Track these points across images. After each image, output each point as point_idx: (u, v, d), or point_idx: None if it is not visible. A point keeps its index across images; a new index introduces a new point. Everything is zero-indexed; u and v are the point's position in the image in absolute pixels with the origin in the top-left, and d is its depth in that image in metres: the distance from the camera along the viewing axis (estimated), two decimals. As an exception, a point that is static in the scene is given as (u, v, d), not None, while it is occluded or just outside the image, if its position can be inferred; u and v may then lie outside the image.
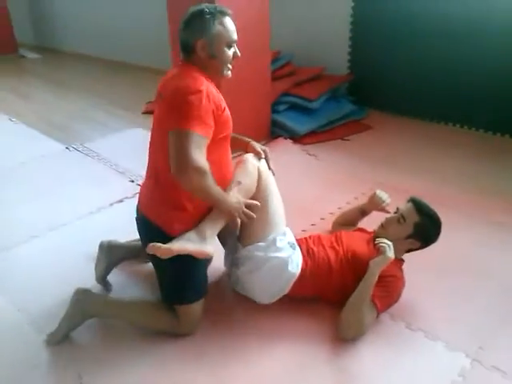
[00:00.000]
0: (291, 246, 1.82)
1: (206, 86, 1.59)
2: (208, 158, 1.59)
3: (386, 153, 3.32)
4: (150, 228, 1.73)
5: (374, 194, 2.11)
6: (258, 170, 1.79)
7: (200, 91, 1.55)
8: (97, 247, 2.03)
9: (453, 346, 1.69)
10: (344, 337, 1.72)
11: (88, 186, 2.94)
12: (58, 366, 1.68)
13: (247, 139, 1.95)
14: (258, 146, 1.90)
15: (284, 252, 1.78)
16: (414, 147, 3.38)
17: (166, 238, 1.62)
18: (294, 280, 1.78)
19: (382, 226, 1.91)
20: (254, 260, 1.77)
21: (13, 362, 1.69)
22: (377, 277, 1.71)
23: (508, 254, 2.21)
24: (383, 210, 2.07)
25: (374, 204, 2.10)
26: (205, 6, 1.64)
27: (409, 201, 1.90)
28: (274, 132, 3.55)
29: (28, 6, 7.09)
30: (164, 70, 1.98)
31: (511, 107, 3.24)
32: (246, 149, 1.91)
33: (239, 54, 1.73)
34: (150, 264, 1.86)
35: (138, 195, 1.88)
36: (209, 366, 1.65)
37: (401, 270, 1.86)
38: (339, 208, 2.51)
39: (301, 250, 1.87)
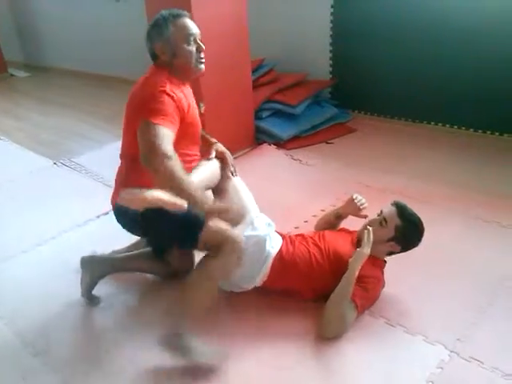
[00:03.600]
0: (268, 225, 1.91)
1: (169, 87, 1.66)
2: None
3: (370, 154, 3.36)
4: (119, 213, 1.78)
5: (352, 198, 2.02)
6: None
7: (163, 91, 1.63)
8: (84, 259, 2.06)
9: (431, 339, 1.73)
10: (325, 334, 1.75)
11: (75, 200, 2.97)
12: (45, 377, 1.70)
13: (213, 140, 2.04)
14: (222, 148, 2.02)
15: (261, 230, 1.87)
16: (398, 148, 3.42)
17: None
18: (272, 257, 1.82)
19: (365, 227, 1.87)
20: None
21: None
22: (357, 274, 1.73)
23: (485, 247, 2.25)
24: (359, 215, 2.01)
25: (351, 208, 2.02)
26: (159, 14, 1.74)
27: (392, 204, 1.88)
28: (259, 138, 3.60)
29: (14, 25, 7.14)
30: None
31: (493, 106, 3.29)
32: (210, 149, 2.00)
33: (203, 46, 1.76)
34: (137, 273, 1.89)
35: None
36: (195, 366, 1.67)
37: (382, 272, 1.88)
38: (322, 210, 2.54)
39: (283, 239, 1.94)
